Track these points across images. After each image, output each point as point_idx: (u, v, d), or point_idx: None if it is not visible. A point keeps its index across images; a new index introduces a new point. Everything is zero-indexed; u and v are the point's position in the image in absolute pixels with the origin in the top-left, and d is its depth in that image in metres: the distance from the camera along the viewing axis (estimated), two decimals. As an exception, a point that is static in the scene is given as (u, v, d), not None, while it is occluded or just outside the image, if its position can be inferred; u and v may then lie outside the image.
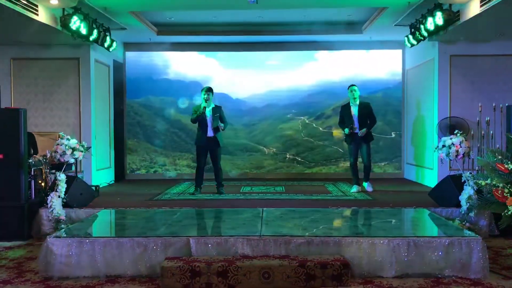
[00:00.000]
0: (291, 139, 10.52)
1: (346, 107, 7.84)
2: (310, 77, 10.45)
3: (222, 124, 7.42)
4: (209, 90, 7.45)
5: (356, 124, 7.64)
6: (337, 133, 10.21)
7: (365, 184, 7.91)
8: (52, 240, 4.48)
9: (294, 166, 10.45)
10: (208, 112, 7.38)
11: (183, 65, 10.51)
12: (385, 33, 9.36)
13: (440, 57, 8.45)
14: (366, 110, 7.73)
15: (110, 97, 9.74)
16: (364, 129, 7.59)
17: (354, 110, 7.71)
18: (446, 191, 6.25)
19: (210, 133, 7.40)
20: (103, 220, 5.77)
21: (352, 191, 7.83)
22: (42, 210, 6.07)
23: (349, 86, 7.86)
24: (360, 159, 7.88)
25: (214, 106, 7.48)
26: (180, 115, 10.44)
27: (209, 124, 7.38)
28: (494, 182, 4.81)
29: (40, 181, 6.44)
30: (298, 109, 10.51)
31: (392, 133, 10.35)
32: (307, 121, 10.49)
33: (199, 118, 7.38)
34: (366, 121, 7.68)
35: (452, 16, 7.06)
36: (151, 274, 4.43)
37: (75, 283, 4.28)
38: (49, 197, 5.75)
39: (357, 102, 7.71)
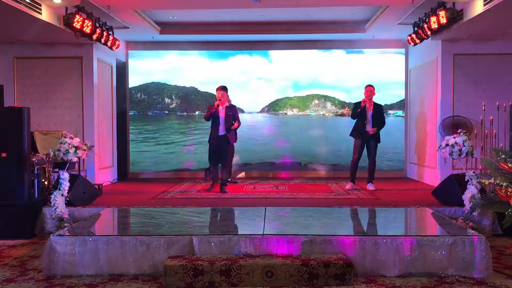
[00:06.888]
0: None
1: (360, 105, 7.80)
2: (312, 76, 10.44)
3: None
4: (223, 88, 7.51)
5: (370, 122, 7.69)
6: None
7: (368, 184, 7.92)
8: (55, 239, 4.49)
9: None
10: (222, 110, 7.43)
11: (186, 64, 10.50)
12: (388, 32, 9.34)
13: (443, 56, 8.42)
14: (379, 111, 7.79)
15: (113, 96, 9.74)
16: (376, 128, 7.67)
17: (370, 109, 7.74)
18: (449, 190, 6.24)
19: (222, 131, 7.43)
20: (106, 219, 5.78)
21: (346, 188, 7.87)
22: (45, 209, 6.08)
23: (367, 86, 7.87)
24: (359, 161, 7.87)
25: (227, 105, 7.51)
26: (185, 114, 10.45)
27: (221, 122, 7.41)
28: (497, 181, 4.80)
29: (43, 180, 6.44)
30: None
31: (395, 131, 10.32)
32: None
33: (212, 116, 7.41)
34: (377, 122, 7.73)
35: (456, 15, 7.06)
36: (154, 273, 4.43)
37: (78, 282, 4.28)
38: (52, 196, 5.74)
39: (372, 102, 7.75)
